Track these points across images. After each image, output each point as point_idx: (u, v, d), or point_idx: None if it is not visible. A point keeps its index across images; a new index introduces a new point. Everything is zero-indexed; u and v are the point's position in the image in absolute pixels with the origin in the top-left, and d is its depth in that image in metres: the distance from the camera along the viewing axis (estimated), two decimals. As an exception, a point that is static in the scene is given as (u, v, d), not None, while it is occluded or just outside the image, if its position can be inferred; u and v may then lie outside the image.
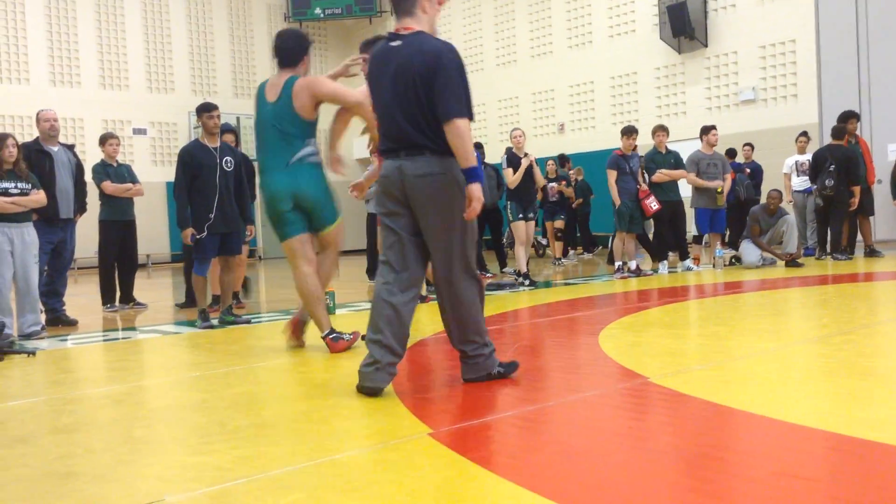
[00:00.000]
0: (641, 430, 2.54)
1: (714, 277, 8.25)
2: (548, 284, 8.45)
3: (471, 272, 3.27)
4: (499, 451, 2.36)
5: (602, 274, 9.58)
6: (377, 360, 3.15)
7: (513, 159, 8.53)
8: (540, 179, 9.02)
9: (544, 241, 14.06)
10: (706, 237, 10.08)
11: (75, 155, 7.19)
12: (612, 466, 2.16)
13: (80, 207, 7.13)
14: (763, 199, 10.05)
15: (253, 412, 2.98)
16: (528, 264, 8.68)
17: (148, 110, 18.86)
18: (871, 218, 10.23)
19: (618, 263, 8.88)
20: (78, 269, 14.27)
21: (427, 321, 5.48)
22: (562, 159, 13.28)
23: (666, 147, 9.18)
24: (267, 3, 21.15)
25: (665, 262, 9.04)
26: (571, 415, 2.79)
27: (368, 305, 6.93)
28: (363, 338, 4.51)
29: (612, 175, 8.71)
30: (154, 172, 18.14)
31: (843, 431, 2.35)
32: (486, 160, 10.22)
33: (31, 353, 4.76)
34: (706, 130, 9.35)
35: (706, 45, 14.39)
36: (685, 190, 9.50)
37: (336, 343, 4.37)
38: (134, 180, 7.80)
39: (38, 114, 6.99)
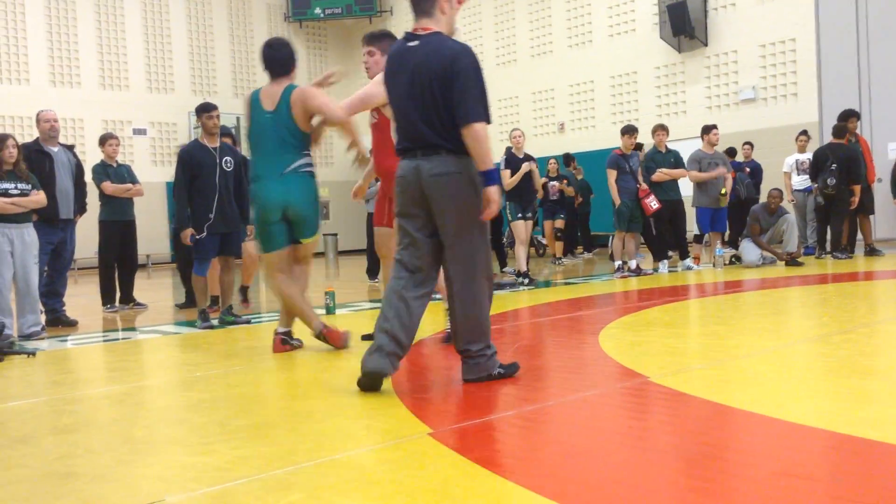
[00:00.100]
0: (642, 429, 2.54)
1: (714, 276, 8.25)
2: (547, 284, 8.45)
3: (483, 273, 3.28)
4: (499, 450, 2.36)
5: (602, 273, 9.58)
6: (380, 346, 3.16)
7: (512, 160, 8.53)
8: (538, 183, 9.05)
9: (543, 241, 14.06)
10: (706, 236, 10.07)
11: (75, 155, 7.19)
12: (613, 466, 2.16)
13: (80, 208, 7.13)
14: (763, 198, 10.06)
15: (253, 412, 2.98)
16: (528, 263, 8.68)
17: (148, 110, 18.87)
18: (872, 217, 10.22)
19: (618, 263, 8.88)
20: (78, 269, 14.27)
21: (427, 321, 5.47)
22: (567, 159, 13.27)
23: (666, 146, 9.19)
24: (267, 3, 21.15)
25: (665, 261, 9.03)
26: (572, 414, 2.79)
27: (368, 305, 6.95)
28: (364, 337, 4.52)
29: (611, 174, 8.71)
30: (154, 173, 18.14)
31: (843, 430, 2.35)
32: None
33: (32, 353, 4.75)
34: (707, 130, 9.35)
35: (706, 45, 14.39)
36: (686, 189, 9.50)
37: (333, 332, 4.39)
38: (134, 181, 7.80)
39: (37, 114, 6.99)
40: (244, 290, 7.27)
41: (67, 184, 6.86)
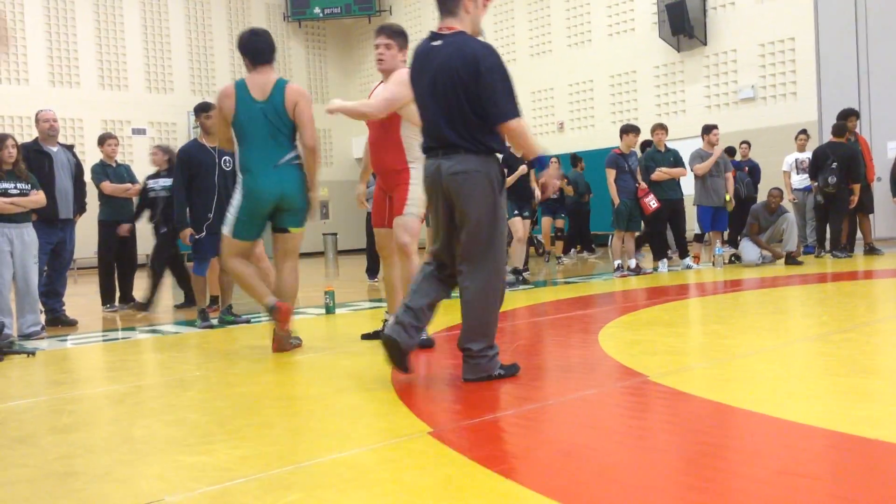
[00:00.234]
0: (641, 428, 2.54)
1: (714, 276, 8.25)
2: (543, 283, 8.44)
3: (496, 273, 3.28)
4: (499, 449, 2.35)
5: (602, 272, 9.58)
6: (398, 318, 3.29)
7: (509, 159, 8.53)
8: (536, 184, 9.06)
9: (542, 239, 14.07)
10: (706, 235, 10.08)
11: (74, 155, 7.18)
12: (613, 465, 2.16)
13: (80, 208, 7.13)
14: (761, 198, 10.06)
15: (253, 412, 2.98)
16: (526, 262, 8.68)
17: (147, 110, 18.86)
18: (871, 216, 10.23)
19: (617, 262, 8.88)
20: (77, 269, 14.26)
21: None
22: (574, 160, 13.28)
23: (665, 145, 9.19)
24: (266, 2, 21.15)
25: (665, 260, 9.04)
26: (571, 413, 2.79)
27: (368, 305, 6.95)
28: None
29: (611, 174, 8.71)
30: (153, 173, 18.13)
31: (843, 429, 2.35)
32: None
33: (31, 353, 4.75)
34: (707, 130, 9.35)
35: (705, 44, 14.39)
36: (687, 188, 9.51)
37: (283, 307, 4.29)
38: (133, 180, 7.80)
39: (37, 114, 6.98)
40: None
41: (67, 184, 6.85)
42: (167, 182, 7.34)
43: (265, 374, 3.86)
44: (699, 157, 9.22)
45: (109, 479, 2.21)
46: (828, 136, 10.36)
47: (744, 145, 11.55)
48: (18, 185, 5.71)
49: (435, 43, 3.30)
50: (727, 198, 9.22)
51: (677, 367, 3.45)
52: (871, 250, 9.82)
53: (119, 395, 3.48)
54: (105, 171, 7.63)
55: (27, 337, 5.62)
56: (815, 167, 9.81)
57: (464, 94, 3.19)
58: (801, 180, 10.72)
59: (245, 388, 3.47)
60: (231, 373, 3.89)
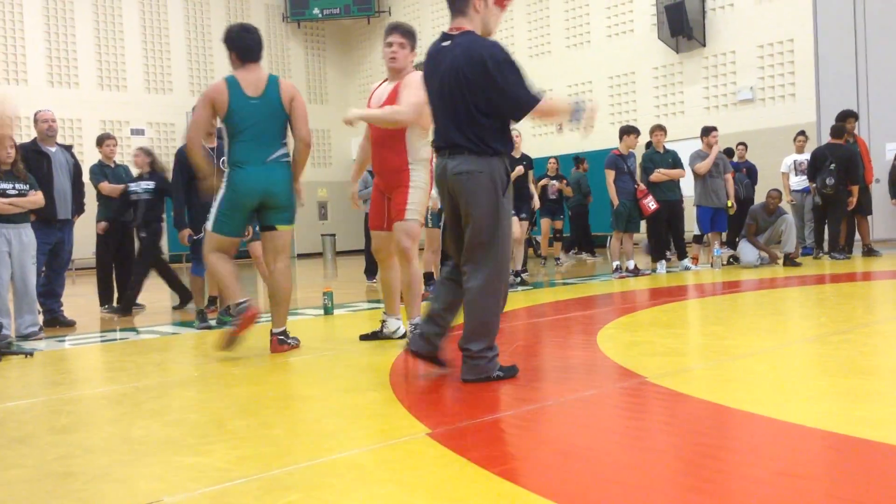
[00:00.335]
0: (640, 429, 2.54)
1: (712, 277, 8.25)
2: (541, 285, 8.45)
3: (497, 274, 3.28)
4: (498, 450, 2.35)
5: (600, 274, 9.58)
6: (420, 330, 3.44)
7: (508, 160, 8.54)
8: (534, 186, 9.14)
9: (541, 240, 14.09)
10: (706, 236, 10.09)
11: (73, 156, 7.18)
12: (611, 466, 2.16)
13: (78, 208, 7.13)
14: (758, 198, 10.07)
15: (251, 412, 2.98)
16: (525, 264, 8.68)
17: (146, 111, 18.86)
18: (869, 217, 10.24)
19: (615, 263, 8.88)
20: (76, 269, 14.24)
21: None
22: (577, 160, 13.29)
23: (664, 146, 9.20)
24: (265, 3, 21.15)
25: (663, 261, 9.04)
26: (570, 414, 2.79)
27: (366, 305, 6.95)
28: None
29: (610, 175, 8.71)
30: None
31: (841, 430, 2.35)
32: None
33: (29, 353, 4.75)
34: (707, 132, 9.35)
35: (704, 45, 14.41)
36: (687, 189, 9.52)
37: (248, 314, 4.29)
38: (131, 181, 7.80)
39: (35, 114, 6.98)
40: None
41: (65, 184, 6.85)
42: (149, 185, 7.35)
43: (264, 374, 3.86)
44: (699, 157, 9.24)
45: (108, 480, 2.21)
46: (826, 138, 10.37)
47: (740, 146, 11.56)
48: (17, 186, 5.71)
49: (444, 44, 3.34)
50: (728, 203, 9.25)
51: (676, 368, 3.45)
52: (869, 252, 9.83)
53: (117, 395, 3.48)
54: (103, 171, 7.63)
55: (25, 337, 5.61)
56: (814, 168, 9.82)
57: (469, 94, 3.21)
58: (799, 182, 10.73)
59: (244, 389, 3.47)
60: (229, 373, 3.89)
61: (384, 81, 4.51)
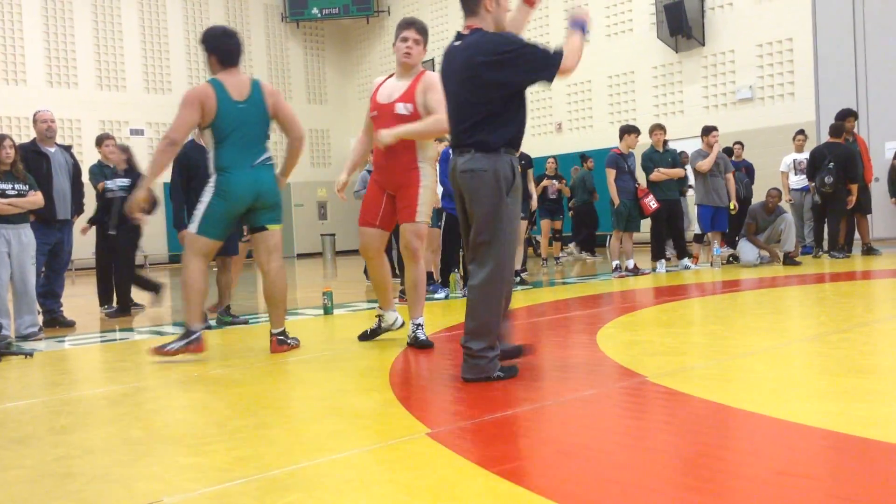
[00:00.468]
0: (640, 428, 2.54)
1: (712, 276, 8.25)
2: (541, 284, 8.45)
3: (500, 273, 3.27)
4: (497, 450, 2.35)
5: (600, 273, 9.58)
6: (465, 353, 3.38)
7: None
8: (533, 187, 9.16)
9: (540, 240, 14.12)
10: (706, 235, 10.10)
11: (72, 156, 7.18)
12: (611, 465, 2.16)
13: (78, 209, 7.12)
14: (756, 198, 10.07)
15: (251, 413, 2.98)
16: (524, 263, 8.68)
17: (145, 111, 18.86)
18: (869, 216, 10.24)
19: (615, 262, 8.88)
20: (75, 270, 14.25)
21: (427, 321, 5.47)
22: (583, 158, 13.29)
23: (663, 146, 9.20)
24: (264, 3, 21.16)
25: (663, 261, 9.04)
26: (570, 414, 2.79)
27: (366, 305, 6.95)
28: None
29: (610, 174, 8.72)
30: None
31: (841, 429, 2.35)
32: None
33: (29, 354, 4.75)
34: (707, 131, 9.36)
35: (703, 44, 14.41)
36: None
37: (198, 346, 4.31)
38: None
39: (35, 115, 6.97)
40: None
41: (64, 184, 6.84)
42: (124, 182, 7.32)
43: (263, 375, 3.86)
44: (700, 155, 9.25)
45: (108, 480, 2.21)
46: (825, 137, 10.37)
47: (737, 145, 11.57)
48: (16, 186, 5.70)
49: (457, 43, 3.39)
50: (731, 205, 9.27)
51: (676, 367, 3.45)
52: (868, 251, 9.84)
53: (117, 395, 3.48)
54: (103, 171, 7.62)
55: (25, 338, 5.61)
56: (813, 167, 9.82)
57: (479, 89, 3.25)
58: (798, 181, 10.73)
59: (243, 389, 3.47)
60: (229, 374, 3.88)
61: (389, 76, 4.45)
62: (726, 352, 3.81)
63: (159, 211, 17.89)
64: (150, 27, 19.17)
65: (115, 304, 7.60)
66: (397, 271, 8.52)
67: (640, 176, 9.07)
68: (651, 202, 8.69)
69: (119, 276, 7.43)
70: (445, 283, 7.51)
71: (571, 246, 13.61)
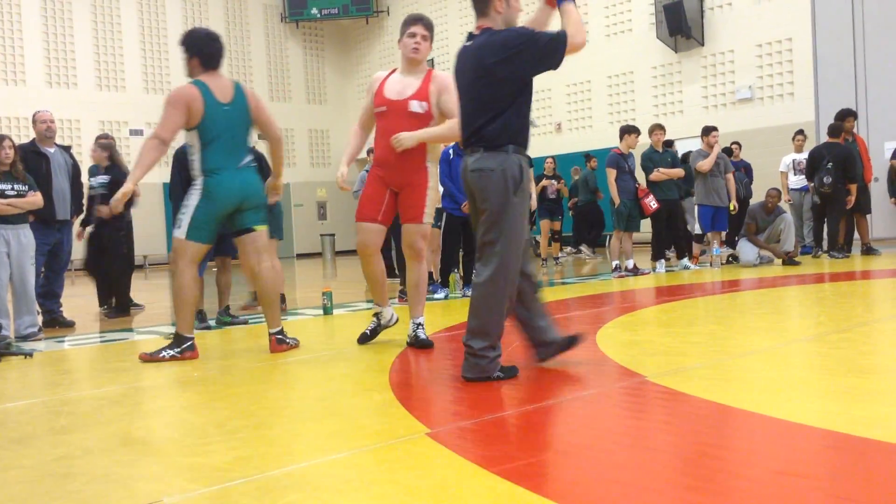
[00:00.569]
0: (640, 428, 2.54)
1: (711, 276, 8.26)
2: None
3: (503, 273, 3.27)
4: (497, 450, 2.35)
5: (600, 273, 9.58)
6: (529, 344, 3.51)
7: None
8: (532, 187, 9.13)
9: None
10: (706, 235, 10.11)
11: (72, 156, 7.17)
12: (611, 465, 2.16)
13: (77, 209, 7.12)
14: (755, 198, 10.07)
15: (250, 413, 2.98)
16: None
17: (144, 111, 18.85)
18: (868, 216, 10.25)
19: (615, 262, 8.88)
20: (74, 270, 14.25)
21: (427, 321, 5.47)
22: (587, 157, 13.30)
23: (663, 146, 9.21)
24: (263, 3, 21.15)
25: (662, 261, 9.05)
26: (569, 414, 2.79)
27: (365, 306, 6.94)
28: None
29: (611, 174, 8.73)
30: (150, 173, 18.05)
31: (841, 429, 2.35)
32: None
33: (29, 354, 4.75)
34: (707, 131, 9.37)
35: (703, 44, 14.41)
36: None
37: (193, 353, 4.35)
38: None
39: (34, 115, 6.97)
40: (281, 299, 7.01)
41: (64, 185, 6.84)
42: (104, 179, 7.25)
43: (263, 375, 3.86)
44: (701, 155, 9.26)
45: (107, 481, 2.21)
46: (825, 137, 10.38)
47: (734, 145, 11.57)
48: (15, 187, 5.70)
49: (468, 44, 3.42)
50: (731, 206, 9.28)
51: (675, 367, 3.45)
52: (868, 251, 9.84)
53: (117, 396, 3.48)
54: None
55: (24, 338, 5.61)
56: (811, 167, 9.83)
57: (489, 86, 3.28)
58: (798, 181, 10.74)
59: (243, 389, 3.47)
60: (228, 374, 3.88)
61: (392, 72, 4.40)
62: (726, 352, 3.81)
63: (159, 211, 18.03)
64: (150, 27, 19.16)
65: (114, 303, 7.60)
66: (396, 271, 8.53)
67: (640, 176, 9.07)
68: (651, 202, 8.70)
69: (111, 276, 7.41)
70: (445, 284, 7.51)
71: (583, 248, 13.60)
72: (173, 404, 3.29)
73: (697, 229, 9.96)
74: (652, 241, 9.33)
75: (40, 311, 6.42)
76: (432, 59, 14.71)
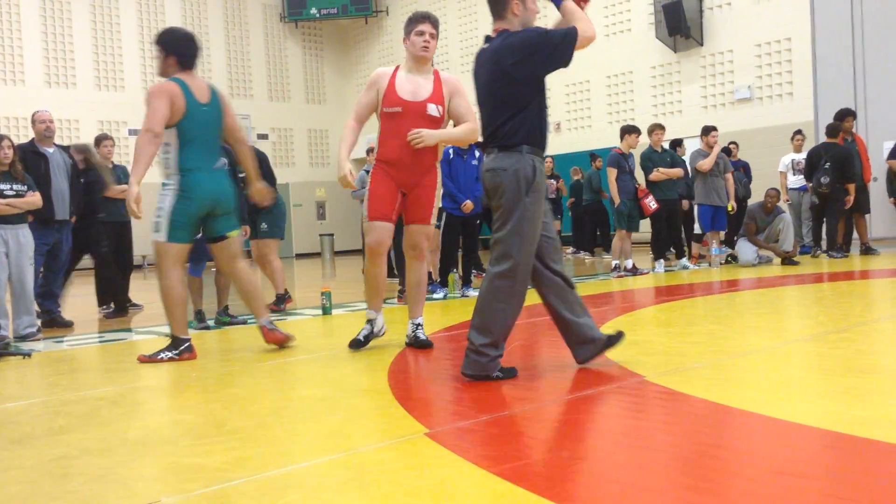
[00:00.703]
0: (639, 428, 2.54)
1: (710, 276, 8.26)
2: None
3: (513, 271, 3.27)
4: (496, 450, 2.35)
5: (599, 273, 9.58)
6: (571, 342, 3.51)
7: None
8: None
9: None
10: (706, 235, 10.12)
11: (71, 156, 7.17)
12: (610, 465, 2.16)
13: (76, 209, 7.11)
14: (753, 198, 10.08)
15: (249, 413, 2.97)
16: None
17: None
18: (867, 216, 10.25)
19: (614, 262, 8.88)
20: (73, 270, 14.23)
21: (426, 321, 5.46)
22: (592, 157, 13.30)
23: (662, 146, 9.21)
24: (262, 3, 21.13)
25: (661, 260, 9.05)
26: (568, 414, 2.79)
27: (364, 306, 6.93)
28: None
29: (611, 173, 8.73)
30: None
31: (840, 429, 2.35)
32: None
33: (27, 354, 4.74)
34: (707, 131, 9.38)
35: (702, 44, 14.41)
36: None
37: (191, 353, 4.36)
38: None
39: (33, 115, 6.96)
40: (281, 299, 6.98)
41: (63, 185, 6.83)
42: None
43: (261, 375, 3.85)
44: (701, 155, 9.27)
45: (106, 481, 2.20)
46: (823, 137, 10.39)
47: (732, 145, 11.57)
48: (14, 187, 5.70)
49: (485, 46, 3.46)
50: (729, 207, 9.28)
51: (674, 367, 3.45)
52: (867, 250, 9.84)
53: (115, 396, 3.48)
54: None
55: (23, 338, 5.61)
56: (810, 168, 9.84)
57: (501, 86, 3.32)
58: (797, 181, 10.75)
59: (241, 390, 3.47)
60: (227, 374, 3.88)
61: (398, 68, 4.31)
62: (725, 351, 3.81)
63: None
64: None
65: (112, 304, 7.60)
66: (395, 271, 8.52)
67: (640, 176, 9.08)
68: (651, 203, 8.70)
69: (99, 275, 7.42)
70: (444, 283, 7.51)
71: (601, 251, 13.58)
72: (171, 404, 3.29)
73: (697, 229, 9.96)
74: (651, 242, 9.33)
75: (39, 311, 6.41)
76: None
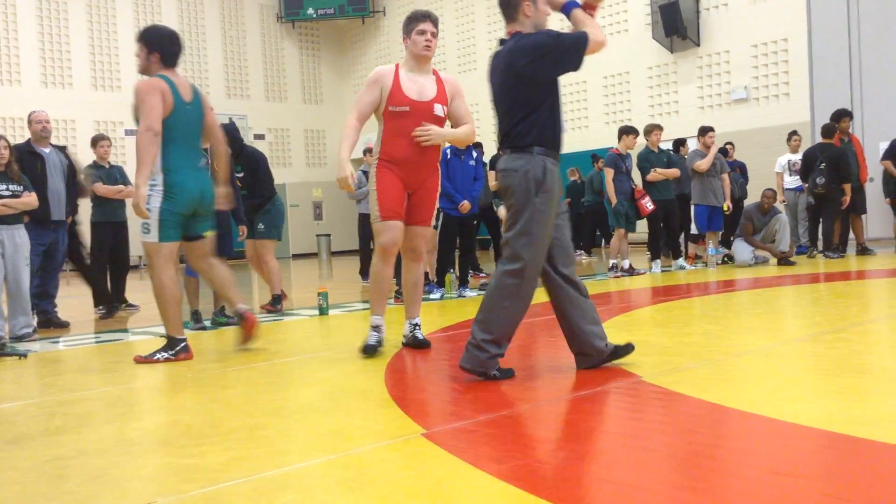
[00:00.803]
0: (635, 428, 2.54)
1: (707, 276, 8.27)
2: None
3: (521, 271, 3.27)
4: (493, 450, 2.35)
5: (596, 273, 9.59)
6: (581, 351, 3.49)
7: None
8: None
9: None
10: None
11: (67, 157, 7.15)
12: (606, 465, 2.16)
13: (72, 209, 7.10)
14: (749, 198, 10.09)
15: (245, 413, 2.97)
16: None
17: (131, 108, 18.80)
18: (864, 216, 10.27)
19: (612, 262, 8.89)
20: (70, 271, 14.21)
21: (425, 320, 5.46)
22: (594, 158, 13.32)
23: (658, 146, 9.22)
24: (259, 3, 21.11)
25: (658, 261, 9.06)
26: (565, 414, 2.79)
27: (361, 306, 6.94)
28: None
29: (609, 173, 8.74)
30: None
31: (836, 429, 2.36)
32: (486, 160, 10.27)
33: (23, 355, 4.73)
34: (703, 132, 9.39)
35: (698, 45, 14.43)
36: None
37: (187, 353, 4.36)
38: (126, 182, 7.76)
39: (29, 115, 6.95)
40: (278, 300, 6.95)
41: (59, 185, 6.82)
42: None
43: (258, 375, 3.85)
44: (698, 155, 9.29)
45: (102, 481, 2.20)
46: (819, 137, 10.41)
47: (728, 145, 11.59)
48: (10, 187, 5.68)
49: (499, 49, 3.49)
50: (725, 206, 9.30)
51: (671, 367, 3.45)
52: (863, 251, 9.86)
53: (111, 396, 3.47)
54: (98, 172, 7.59)
55: (19, 339, 5.59)
56: (805, 168, 9.86)
57: (506, 92, 3.36)
58: (793, 181, 10.77)
59: (238, 390, 3.46)
60: (223, 374, 3.88)
61: (398, 67, 4.25)
62: (721, 352, 3.81)
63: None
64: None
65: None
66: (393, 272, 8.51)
67: (637, 177, 9.08)
68: (647, 203, 8.71)
69: (86, 276, 7.45)
70: (441, 284, 7.51)
71: (582, 254, 13.59)
72: (167, 405, 3.28)
73: (694, 229, 9.98)
74: (648, 242, 9.34)
75: (35, 311, 6.39)
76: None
